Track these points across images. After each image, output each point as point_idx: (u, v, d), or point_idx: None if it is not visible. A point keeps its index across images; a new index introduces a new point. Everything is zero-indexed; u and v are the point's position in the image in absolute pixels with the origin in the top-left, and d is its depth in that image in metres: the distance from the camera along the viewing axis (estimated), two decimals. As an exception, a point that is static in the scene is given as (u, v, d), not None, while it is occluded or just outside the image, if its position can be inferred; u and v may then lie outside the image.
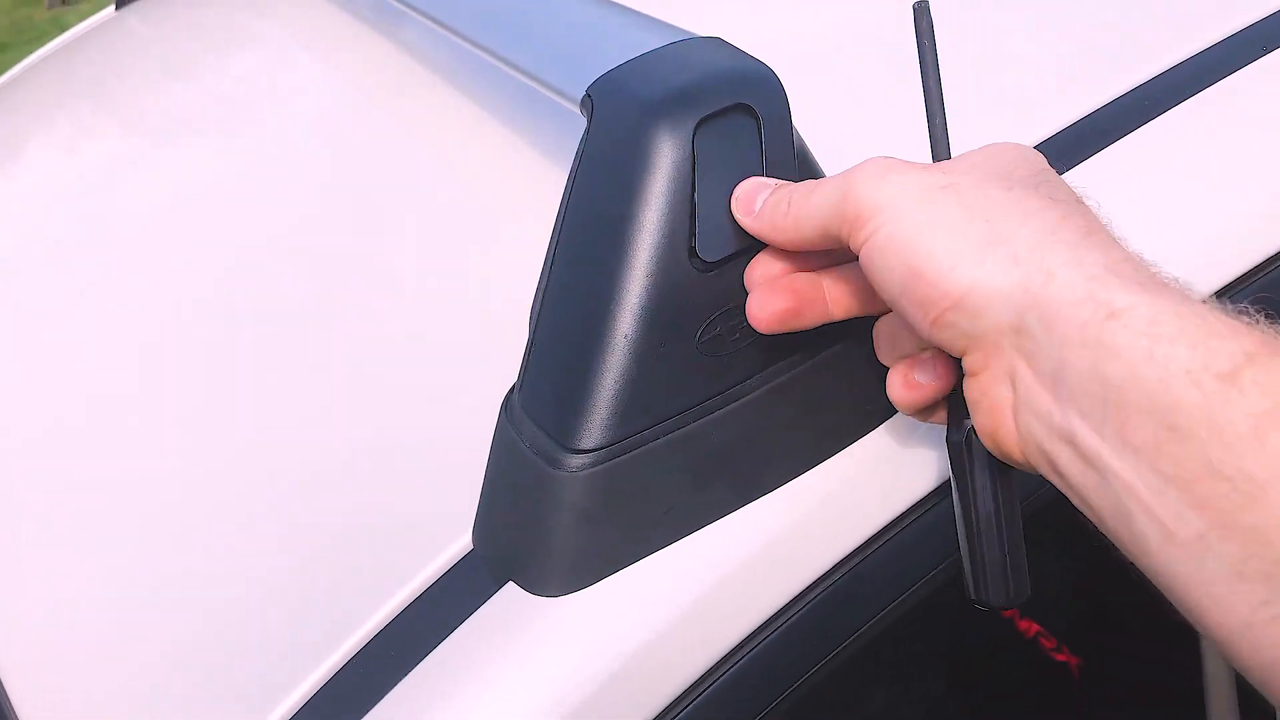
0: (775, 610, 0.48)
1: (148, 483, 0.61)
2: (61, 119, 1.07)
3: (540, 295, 0.48)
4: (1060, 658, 0.97)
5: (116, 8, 1.26)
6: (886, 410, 0.50)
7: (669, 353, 0.45)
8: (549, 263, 0.48)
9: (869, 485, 0.49)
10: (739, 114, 0.45)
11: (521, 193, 0.67)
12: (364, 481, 0.55)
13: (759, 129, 0.46)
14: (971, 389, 0.41)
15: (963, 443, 0.44)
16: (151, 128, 0.98)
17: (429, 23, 0.67)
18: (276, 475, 0.57)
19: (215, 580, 0.54)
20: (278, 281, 0.70)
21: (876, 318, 0.47)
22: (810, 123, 0.51)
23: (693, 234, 0.45)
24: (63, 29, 5.56)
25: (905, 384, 0.45)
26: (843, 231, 0.41)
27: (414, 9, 0.69)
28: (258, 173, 0.82)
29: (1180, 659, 0.84)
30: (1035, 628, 0.98)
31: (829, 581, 0.48)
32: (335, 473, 0.56)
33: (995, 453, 0.41)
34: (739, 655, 0.47)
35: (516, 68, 0.56)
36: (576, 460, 0.45)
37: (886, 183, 0.40)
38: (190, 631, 0.52)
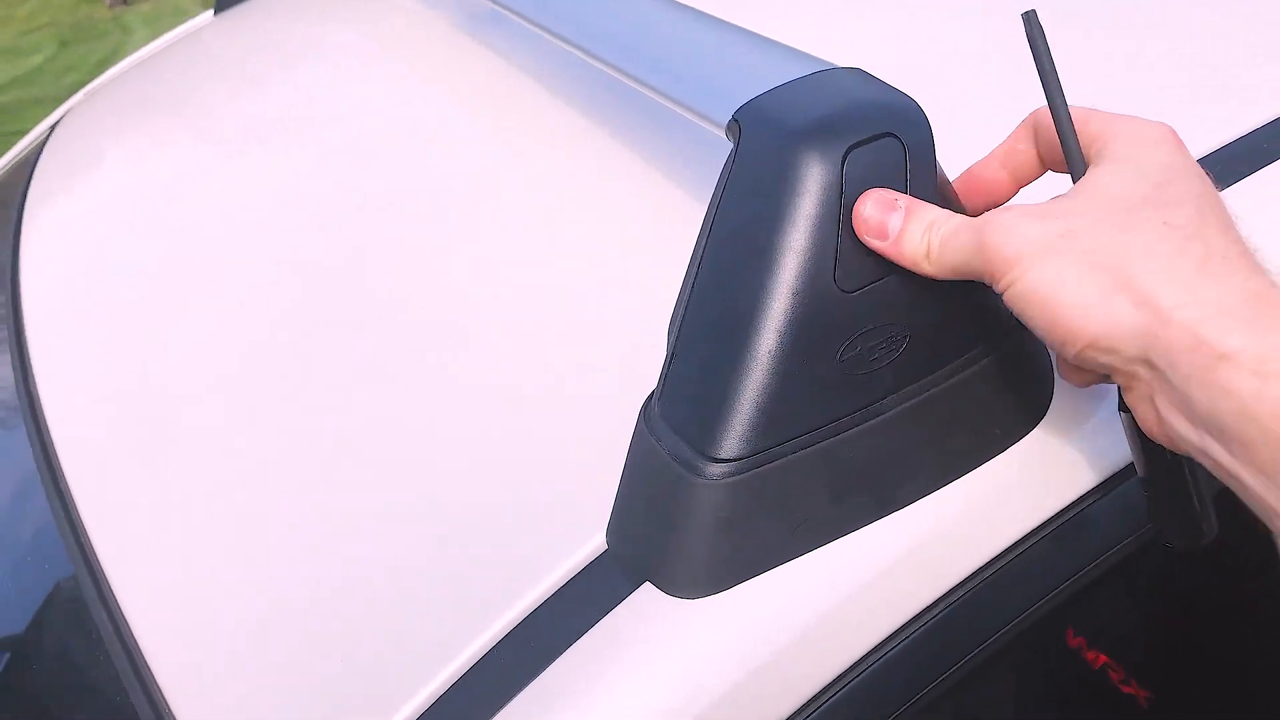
0: (906, 620, 0.49)
1: (290, 480, 0.63)
2: (166, 123, 1.11)
3: (683, 308, 0.50)
4: (1128, 690, 0.97)
5: (216, 12, 1.30)
6: (1017, 432, 0.51)
7: (810, 370, 0.47)
8: (692, 277, 0.50)
9: (999, 503, 0.51)
10: (886, 143, 0.47)
11: (660, 208, 0.69)
12: (502, 479, 0.57)
13: (905, 158, 0.47)
14: (1126, 397, 0.45)
15: (1128, 419, 0.47)
16: (255, 132, 1.01)
17: (560, 43, 0.70)
18: (417, 472, 0.59)
19: (354, 575, 0.56)
20: (427, 286, 0.72)
21: (1018, 350, 0.50)
22: (946, 148, 0.53)
23: (837, 257, 0.46)
24: (123, 28, 5.68)
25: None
26: (983, 276, 0.45)
27: (550, 32, 0.72)
28: (393, 181, 0.84)
29: (1253, 695, 0.84)
30: (1103, 658, 0.98)
31: (959, 594, 0.50)
32: (475, 470, 0.58)
33: (1159, 442, 0.45)
34: (868, 663, 0.49)
35: (659, 92, 0.58)
36: (717, 469, 0.47)
37: (1014, 236, 0.44)
38: (330, 625, 0.54)
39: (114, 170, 1.05)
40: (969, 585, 0.50)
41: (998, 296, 0.45)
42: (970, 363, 0.50)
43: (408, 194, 0.81)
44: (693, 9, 0.64)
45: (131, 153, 1.08)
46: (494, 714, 0.48)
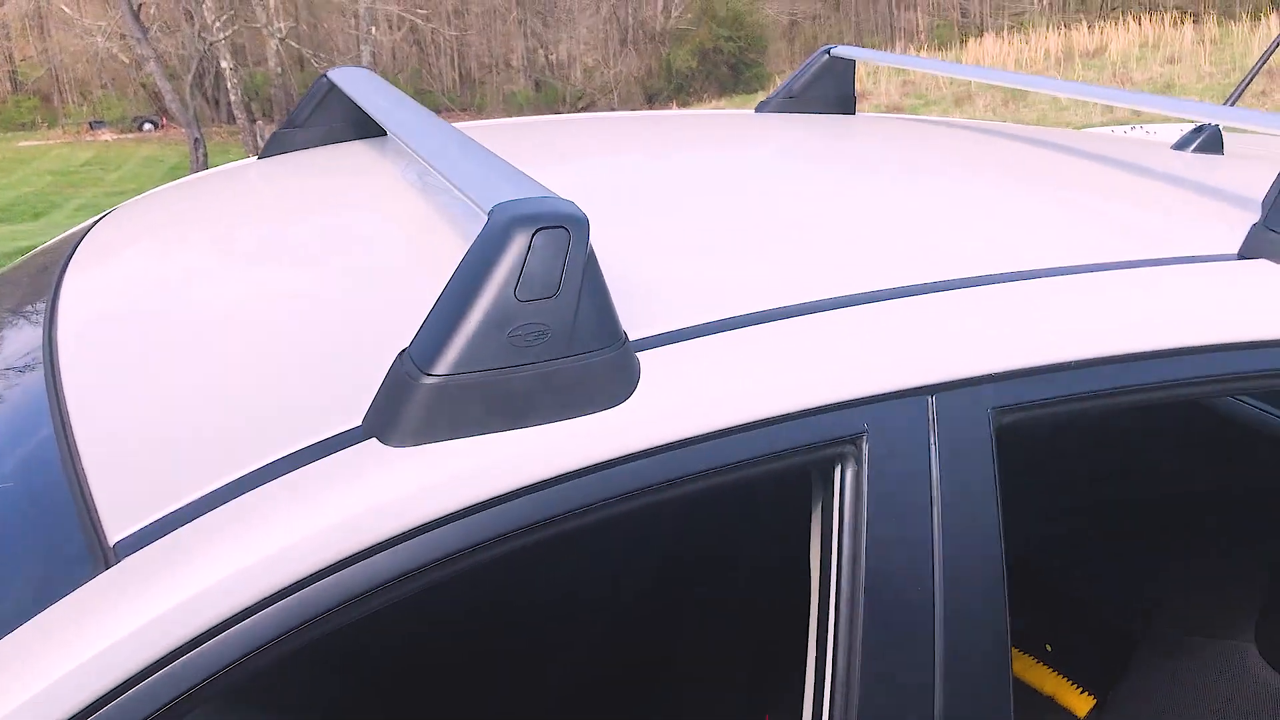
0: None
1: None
2: (183, 233, 1.56)
3: (443, 295, 0.91)
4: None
5: (260, 157, 1.79)
6: (603, 405, 0.91)
7: (491, 338, 0.87)
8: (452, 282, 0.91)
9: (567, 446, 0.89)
10: (559, 231, 0.89)
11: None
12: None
13: (569, 240, 0.89)
14: None
15: None
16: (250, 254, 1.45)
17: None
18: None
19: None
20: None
21: (620, 353, 0.90)
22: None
23: (519, 282, 0.87)
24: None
25: None
26: None
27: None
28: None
29: None
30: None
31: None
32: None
33: None
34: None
35: (455, 185, 1.02)
36: (430, 379, 0.86)
37: None
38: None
39: (135, 259, 1.50)
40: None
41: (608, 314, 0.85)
42: (589, 355, 0.90)
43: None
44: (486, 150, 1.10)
45: (153, 247, 1.53)
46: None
